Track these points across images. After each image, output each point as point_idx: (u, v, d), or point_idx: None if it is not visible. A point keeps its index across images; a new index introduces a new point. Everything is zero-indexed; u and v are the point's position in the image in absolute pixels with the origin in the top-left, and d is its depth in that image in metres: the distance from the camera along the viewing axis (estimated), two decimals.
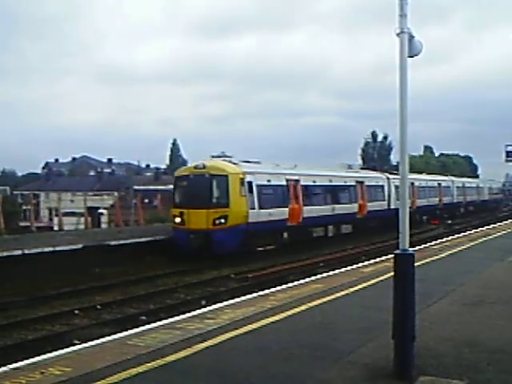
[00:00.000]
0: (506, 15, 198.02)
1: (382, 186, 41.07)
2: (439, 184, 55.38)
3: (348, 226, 34.95)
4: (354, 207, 35.85)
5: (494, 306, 11.70)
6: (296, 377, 7.25)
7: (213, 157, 34.40)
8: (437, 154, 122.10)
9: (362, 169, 45.94)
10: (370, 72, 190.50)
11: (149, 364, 7.63)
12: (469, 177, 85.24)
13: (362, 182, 37.45)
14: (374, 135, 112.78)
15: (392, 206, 40.18)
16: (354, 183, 36.60)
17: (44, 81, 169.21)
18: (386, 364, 7.35)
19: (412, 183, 44.48)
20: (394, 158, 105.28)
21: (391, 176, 42.38)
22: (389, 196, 41.10)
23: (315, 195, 32.04)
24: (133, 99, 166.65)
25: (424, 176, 56.17)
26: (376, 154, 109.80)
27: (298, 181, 29.78)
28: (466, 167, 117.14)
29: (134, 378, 7.11)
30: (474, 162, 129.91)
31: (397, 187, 39.50)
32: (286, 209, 28.37)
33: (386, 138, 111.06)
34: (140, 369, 7.43)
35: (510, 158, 43.11)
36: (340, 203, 34.19)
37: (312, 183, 31.60)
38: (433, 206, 51.78)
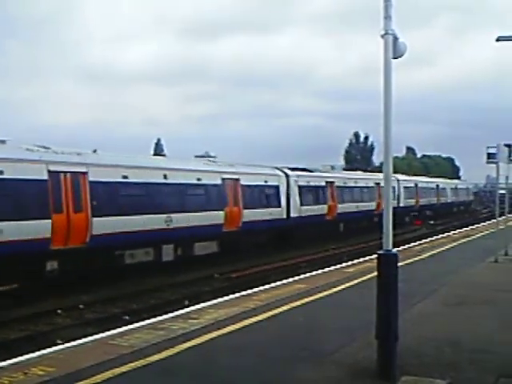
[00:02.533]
0: (487, 21, 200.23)
1: (276, 187, 29.57)
2: (377, 184, 40.84)
3: (210, 243, 24.33)
4: (216, 216, 24.47)
5: (476, 306, 11.82)
6: (279, 377, 7.27)
7: (196, 157, 34.30)
8: (419, 156, 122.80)
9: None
10: (355, 74, 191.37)
11: (132, 364, 7.61)
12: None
13: (235, 180, 26.10)
14: (357, 136, 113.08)
15: (294, 214, 30.41)
16: (217, 182, 25.03)
17: (29, 81, 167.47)
18: (369, 364, 7.38)
19: (330, 182, 35.25)
20: (376, 158, 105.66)
21: (293, 173, 31.70)
22: (287, 200, 30.25)
23: (125, 199, 20.28)
24: (119, 99, 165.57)
25: (352, 174, 43.65)
26: (359, 155, 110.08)
27: (81, 174, 18.68)
28: (449, 168, 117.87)
29: (118, 378, 7.09)
30: (457, 163, 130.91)
31: (301, 188, 31.63)
32: (48, 222, 17.24)
33: (366, 138, 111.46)
34: (123, 368, 7.42)
35: (491, 160, 43.31)
36: (185, 211, 22.48)
37: (119, 180, 20.18)
38: (365, 212, 39.29)
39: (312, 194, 33.04)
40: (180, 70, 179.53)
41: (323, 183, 34.54)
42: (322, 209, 33.76)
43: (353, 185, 38.63)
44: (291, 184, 30.69)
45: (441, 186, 62.26)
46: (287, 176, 30.78)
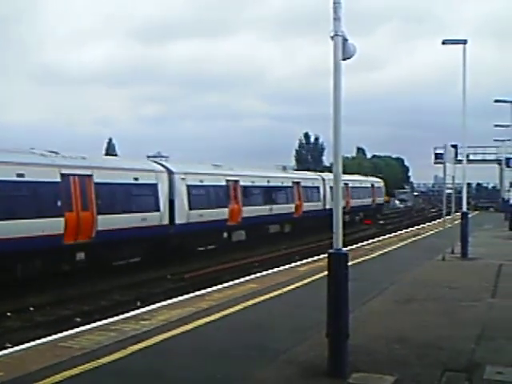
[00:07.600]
0: (433, 29, 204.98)
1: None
2: (155, 182, 23.48)
3: None
4: None
5: (424, 303, 12.09)
6: (232, 377, 7.29)
7: (149, 157, 34.09)
8: (369, 156, 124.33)
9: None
10: (306, 76, 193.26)
11: (83, 366, 7.53)
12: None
13: None
14: (307, 137, 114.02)
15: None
16: None
17: None
18: (321, 362, 7.47)
19: None
20: (326, 159, 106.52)
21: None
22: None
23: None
24: (71, 100, 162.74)
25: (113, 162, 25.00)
26: (309, 156, 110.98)
27: None
28: (398, 169, 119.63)
29: (69, 381, 7.02)
30: (406, 163, 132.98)
31: None
32: None
33: (317, 139, 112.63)
34: (74, 371, 7.33)
35: (438, 160, 44.08)
36: None
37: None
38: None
39: None
40: (131, 71, 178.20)
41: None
42: None
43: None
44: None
45: (303, 184, 37.58)
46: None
